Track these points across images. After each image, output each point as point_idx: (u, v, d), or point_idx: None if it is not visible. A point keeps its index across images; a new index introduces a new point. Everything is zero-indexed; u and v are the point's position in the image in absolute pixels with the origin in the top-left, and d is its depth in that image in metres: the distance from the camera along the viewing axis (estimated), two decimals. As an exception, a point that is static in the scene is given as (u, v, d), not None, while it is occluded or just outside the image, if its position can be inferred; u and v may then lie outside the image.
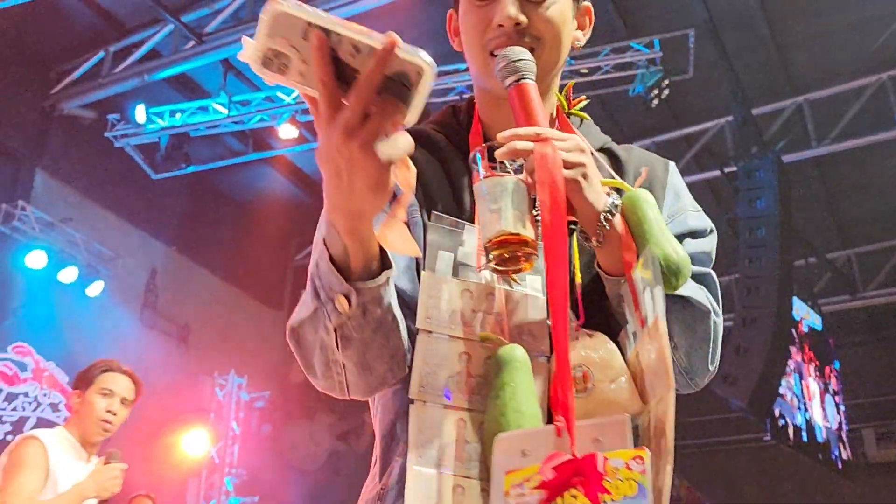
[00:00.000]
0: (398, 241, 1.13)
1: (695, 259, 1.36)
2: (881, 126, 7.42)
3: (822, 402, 9.30)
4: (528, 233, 1.17)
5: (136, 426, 7.94)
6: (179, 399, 8.15)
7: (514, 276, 1.24)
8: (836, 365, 9.89)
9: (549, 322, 1.21)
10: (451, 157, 1.44)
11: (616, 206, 1.23)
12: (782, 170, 7.22)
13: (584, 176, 1.21)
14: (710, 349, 1.35)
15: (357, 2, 6.28)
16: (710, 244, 1.45)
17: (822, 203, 9.21)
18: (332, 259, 1.16)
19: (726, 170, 7.80)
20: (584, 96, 1.52)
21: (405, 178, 1.07)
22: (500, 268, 1.18)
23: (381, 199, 1.07)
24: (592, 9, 1.52)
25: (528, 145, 1.19)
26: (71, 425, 3.77)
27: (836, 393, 9.74)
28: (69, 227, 7.47)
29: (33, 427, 7.03)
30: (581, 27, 1.50)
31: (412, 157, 1.08)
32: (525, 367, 1.18)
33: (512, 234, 1.16)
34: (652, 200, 1.26)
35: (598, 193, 1.23)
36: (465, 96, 7.21)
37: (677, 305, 1.28)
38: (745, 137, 7.50)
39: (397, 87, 0.96)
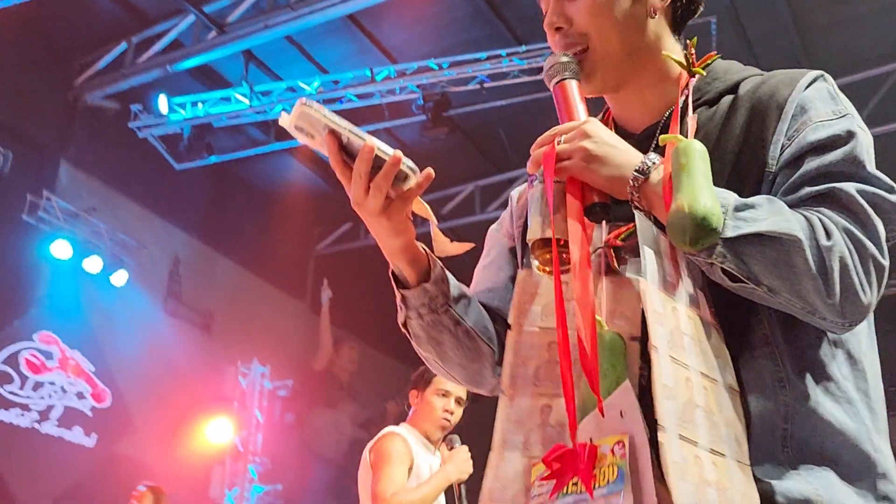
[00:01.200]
0: (447, 246, 1.40)
1: (815, 179, 1.26)
2: (906, 112, 7.33)
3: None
4: (552, 233, 1.24)
5: (161, 414, 7.99)
6: (203, 387, 8.22)
7: (615, 261, 1.30)
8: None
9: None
10: None
11: (646, 167, 1.23)
12: (806, 157, 7.13)
13: (587, 158, 1.24)
14: (822, 281, 1.16)
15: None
16: (841, 154, 1.28)
17: (846, 190, 9.11)
18: (393, 273, 1.44)
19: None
20: (714, 52, 1.49)
21: (423, 211, 1.36)
22: (546, 269, 1.27)
23: (402, 237, 1.36)
24: None
25: (540, 151, 1.28)
26: (413, 422, 4.04)
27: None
28: (93, 217, 7.53)
29: (60, 416, 7.12)
30: None
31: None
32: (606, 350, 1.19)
33: (538, 239, 1.26)
34: (694, 149, 1.20)
35: (618, 165, 1.24)
36: (486, 85, 7.18)
37: (754, 247, 1.16)
38: (768, 124, 7.41)
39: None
